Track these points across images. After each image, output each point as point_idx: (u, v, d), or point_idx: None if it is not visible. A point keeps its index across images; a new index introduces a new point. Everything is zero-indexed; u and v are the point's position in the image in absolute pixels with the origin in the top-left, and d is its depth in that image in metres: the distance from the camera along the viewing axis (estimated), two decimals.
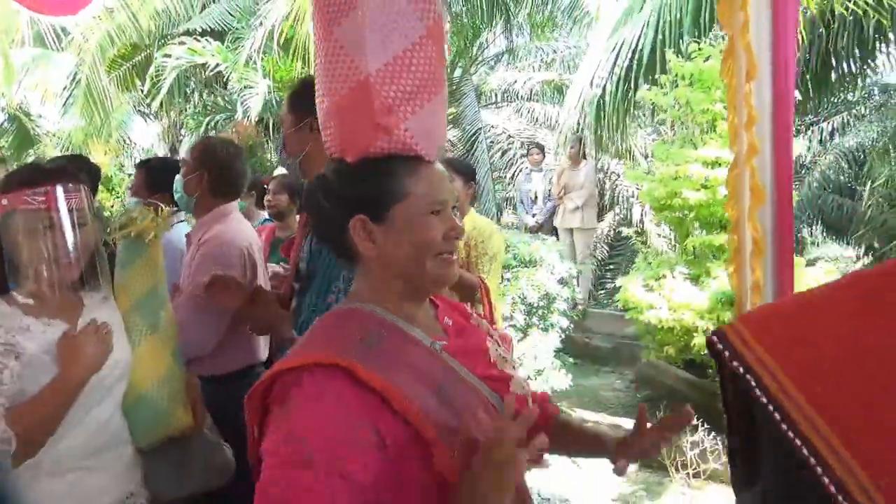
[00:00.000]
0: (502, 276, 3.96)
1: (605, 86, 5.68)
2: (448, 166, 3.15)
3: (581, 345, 6.04)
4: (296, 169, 2.01)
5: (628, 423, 3.86)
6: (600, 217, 10.27)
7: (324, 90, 1.19)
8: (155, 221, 1.66)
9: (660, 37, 5.30)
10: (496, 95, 14.52)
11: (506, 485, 0.92)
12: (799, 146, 9.40)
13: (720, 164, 4.24)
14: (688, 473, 3.59)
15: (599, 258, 9.78)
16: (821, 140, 9.89)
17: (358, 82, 1.13)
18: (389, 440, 0.94)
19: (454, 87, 10.37)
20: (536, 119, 11.90)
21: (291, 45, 7.06)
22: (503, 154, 11.17)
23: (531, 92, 12.65)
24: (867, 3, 6.83)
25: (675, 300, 4.10)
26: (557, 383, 4.23)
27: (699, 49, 4.76)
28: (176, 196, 2.42)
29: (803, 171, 10.08)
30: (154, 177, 2.89)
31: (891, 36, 7.67)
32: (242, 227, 2.31)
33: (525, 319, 4.00)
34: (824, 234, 9.83)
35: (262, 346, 2.37)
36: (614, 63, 5.59)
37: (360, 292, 1.13)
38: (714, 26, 5.87)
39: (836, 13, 7.23)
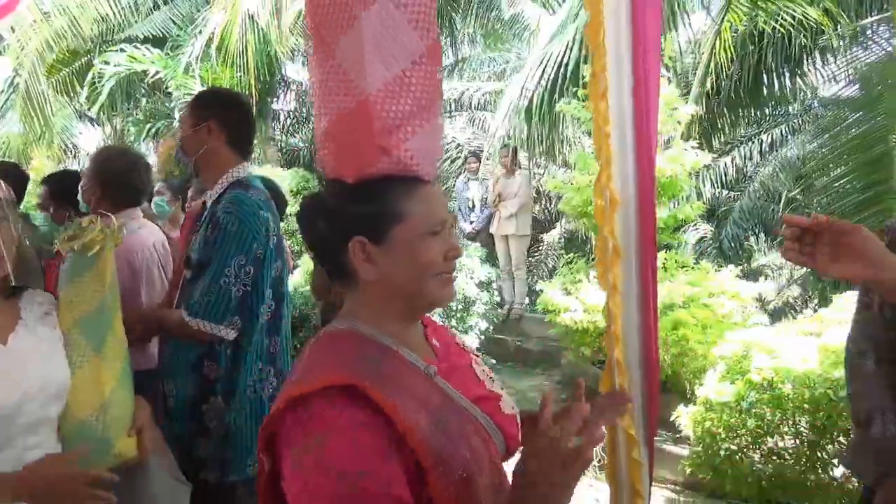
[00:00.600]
0: None
1: (532, 97, 5.90)
2: None
3: (513, 348, 6.27)
4: (191, 168, 2.14)
5: None
6: (551, 225, 10.48)
7: (322, 110, 1.17)
8: (104, 233, 1.52)
9: (583, 52, 5.52)
10: (449, 105, 14.72)
11: (572, 482, 0.90)
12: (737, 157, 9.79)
13: None
14: (594, 466, 3.74)
15: (550, 265, 9.97)
16: (760, 151, 10.24)
17: (358, 102, 1.11)
18: (409, 464, 0.93)
19: None
20: (486, 129, 12.12)
21: (226, 52, 7.11)
22: (452, 162, 11.36)
23: (482, 101, 12.91)
24: (791, 24, 7.24)
25: (588, 302, 4.29)
26: None
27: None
28: (81, 207, 2.49)
29: (745, 182, 10.46)
30: (58, 189, 2.93)
31: (816, 53, 8.10)
32: (135, 236, 2.37)
33: (443, 322, 4.13)
34: (768, 242, 10.15)
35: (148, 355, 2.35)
36: (541, 76, 5.81)
37: (354, 312, 1.10)
38: None
39: (765, 32, 7.63)
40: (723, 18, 7.31)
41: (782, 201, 8.89)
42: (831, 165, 6.60)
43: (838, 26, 7.12)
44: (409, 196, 1.08)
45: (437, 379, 1.07)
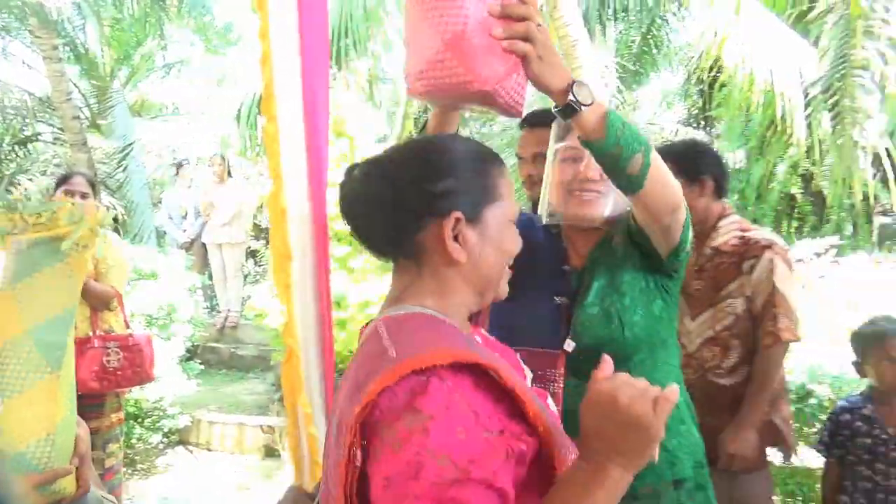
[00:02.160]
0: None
1: (241, 105, 6.03)
2: (84, 180, 3.15)
3: (227, 355, 6.36)
4: None
5: (262, 420, 4.22)
6: None
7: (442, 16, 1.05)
8: (85, 225, 1.22)
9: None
10: (166, 108, 13.99)
11: (651, 446, 0.82)
12: None
13: (330, 186, 4.85)
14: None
15: None
16: None
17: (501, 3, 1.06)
18: (516, 450, 0.82)
19: (108, 96, 9.85)
20: (204, 134, 11.79)
21: None
22: (169, 168, 10.86)
23: (201, 106, 12.51)
24: None
25: None
26: (180, 389, 4.46)
27: (334, 79, 5.42)
28: None
29: None
30: None
31: None
32: None
33: (145, 329, 4.12)
34: None
35: None
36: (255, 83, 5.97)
37: (417, 299, 0.96)
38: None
39: None
40: None
41: None
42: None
43: None
44: (501, 176, 0.99)
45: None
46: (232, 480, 4.16)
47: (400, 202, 0.95)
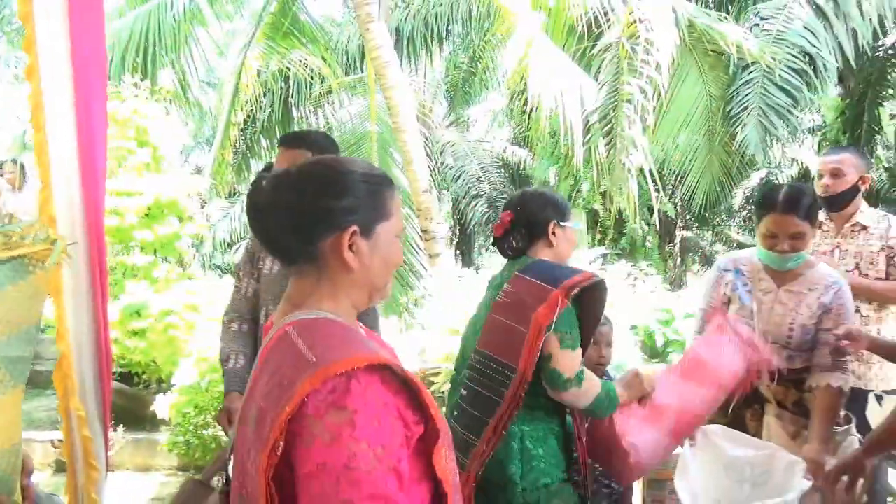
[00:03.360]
0: None
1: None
2: None
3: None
4: None
5: (52, 435, 4.06)
6: None
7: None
8: (60, 245, 1.22)
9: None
10: None
11: None
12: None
13: (130, 195, 4.84)
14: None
15: None
16: None
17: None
18: (409, 434, 0.98)
19: None
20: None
21: None
22: None
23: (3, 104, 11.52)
24: (309, 72, 8.53)
25: None
26: None
27: (118, 92, 5.36)
28: None
29: None
30: None
31: (333, 95, 9.60)
32: None
33: None
34: None
35: None
36: None
37: (316, 302, 1.10)
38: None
39: (290, 73, 8.77)
40: (243, 59, 8.17)
41: None
42: None
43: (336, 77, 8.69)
44: (392, 196, 1.14)
45: None
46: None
47: (306, 214, 1.08)
